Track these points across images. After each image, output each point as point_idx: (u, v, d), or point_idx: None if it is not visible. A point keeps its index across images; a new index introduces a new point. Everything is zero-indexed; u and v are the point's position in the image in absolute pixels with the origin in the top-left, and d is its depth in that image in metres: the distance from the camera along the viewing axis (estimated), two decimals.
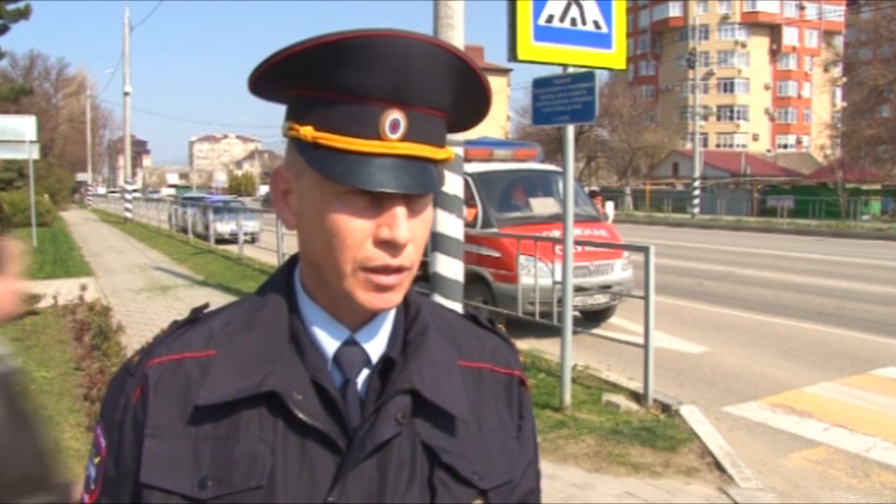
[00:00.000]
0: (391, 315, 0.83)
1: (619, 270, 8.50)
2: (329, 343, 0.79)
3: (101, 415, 0.83)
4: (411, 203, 0.75)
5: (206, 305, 0.87)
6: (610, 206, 10.13)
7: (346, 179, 0.71)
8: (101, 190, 70.10)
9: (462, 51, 0.74)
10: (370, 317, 0.80)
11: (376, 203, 0.73)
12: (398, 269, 0.75)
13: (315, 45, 0.71)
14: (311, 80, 0.73)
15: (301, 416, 0.74)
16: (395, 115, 0.72)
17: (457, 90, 0.76)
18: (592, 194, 10.45)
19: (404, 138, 0.73)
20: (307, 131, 0.73)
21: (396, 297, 0.77)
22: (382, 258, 0.74)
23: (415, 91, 0.72)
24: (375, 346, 0.80)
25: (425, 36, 0.72)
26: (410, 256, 0.76)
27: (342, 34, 0.70)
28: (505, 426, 0.86)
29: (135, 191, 32.06)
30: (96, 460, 0.81)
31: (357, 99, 0.72)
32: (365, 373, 0.80)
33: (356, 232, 0.73)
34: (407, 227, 0.74)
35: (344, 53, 0.70)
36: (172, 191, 69.60)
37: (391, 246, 0.74)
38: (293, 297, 0.82)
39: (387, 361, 0.80)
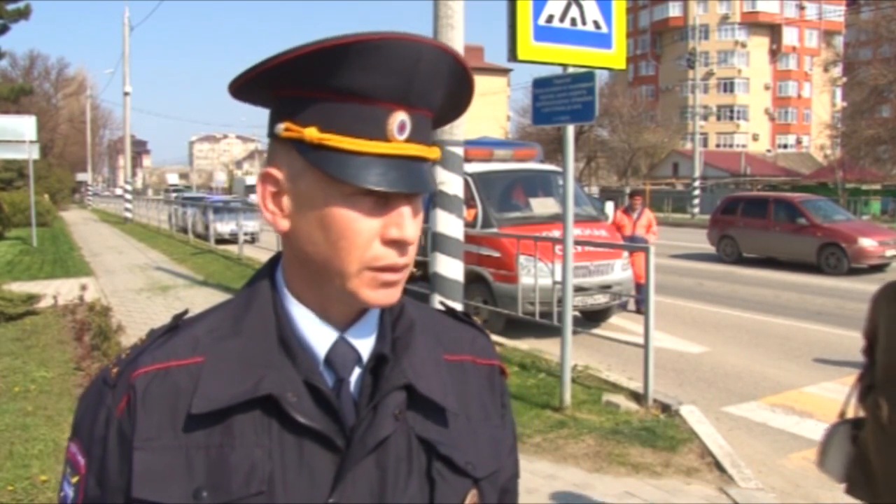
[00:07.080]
0: (377, 313, 0.83)
1: (619, 270, 8.51)
2: (319, 344, 0.79)
3: (76, 432, 0.80)
4: (412, 203, 0.76)
5: (186, 312, 0.85)
6: (609, 206, 10.11)
7: (357, 180, 0.72)
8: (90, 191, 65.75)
9: (458, 52, 0.76)
10: (358, 316, 0.81)
11: (382, 203, 0.74)
12: (402, 268, 0.77)
13: (324, 47, 0.70)
14: (315, 81, 0.73)
15: (298, 417, 0.74)
16: (402, 116, 0.73)
17: (449, 91, 0.78)
18: (634, 194, 10.42)
19: (409, 139, 0.74)
20: (311, 132, 0.72)
21: (398, 293, 0.79)
22: (391, 257, 0.75)
23: (419, 93, 0.74)
24: (365, 344, 0.81)
25: (430, 39, 0.73)
26: (412, 255, 0.78)
27: (355, 37, 0.70)
28: (490, 416, 0.88)
29: (128, 190, 30.98)
30: (73, 480, 0.78)
31: (362, 100, 0.72)
32: (357, 371, 0.80)
33: (365, 232, 0.74)
34: (414, 225, 0.75)
35: (355, 56, 0.70)
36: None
37: (400, 245, 0.75)
38: (278, 298, 0.81)
39: (379, 358, 0.80)
